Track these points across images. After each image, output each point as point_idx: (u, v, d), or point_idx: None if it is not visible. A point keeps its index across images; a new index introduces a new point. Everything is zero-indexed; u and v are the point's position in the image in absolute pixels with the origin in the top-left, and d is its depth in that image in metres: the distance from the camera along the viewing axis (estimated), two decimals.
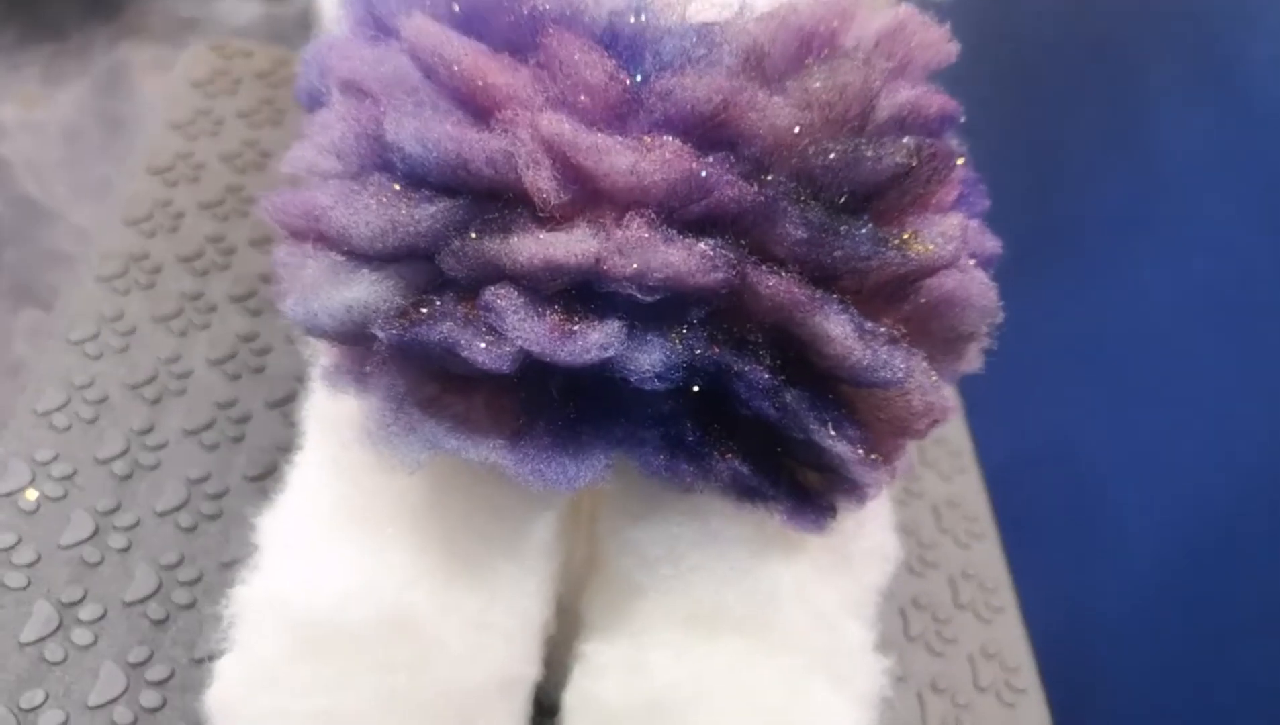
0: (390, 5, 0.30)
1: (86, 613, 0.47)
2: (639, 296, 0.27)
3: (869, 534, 0.38)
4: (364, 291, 0.28)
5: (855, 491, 0.34)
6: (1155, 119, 0.86)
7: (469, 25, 0.29)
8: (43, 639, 0.46)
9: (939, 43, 0.32)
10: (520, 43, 0.29)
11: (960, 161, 0.31)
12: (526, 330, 0.27)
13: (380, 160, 0.29)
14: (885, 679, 0.38)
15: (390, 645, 0.33)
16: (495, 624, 0.35)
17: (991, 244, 0.33)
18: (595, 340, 0.27)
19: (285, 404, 0.57)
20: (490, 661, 0.35)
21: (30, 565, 0.48)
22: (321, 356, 0.35)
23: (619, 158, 0.26)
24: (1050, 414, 0.86)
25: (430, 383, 0.30)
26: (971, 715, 0.54)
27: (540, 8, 0.28)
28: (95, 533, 0.50)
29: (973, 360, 0.34)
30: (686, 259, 0.27)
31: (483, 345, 0.27)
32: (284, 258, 0.31)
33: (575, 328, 0.27)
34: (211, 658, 0.46)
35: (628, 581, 0.36)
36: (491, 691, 0.35)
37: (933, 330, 0.32)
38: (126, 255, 0.61)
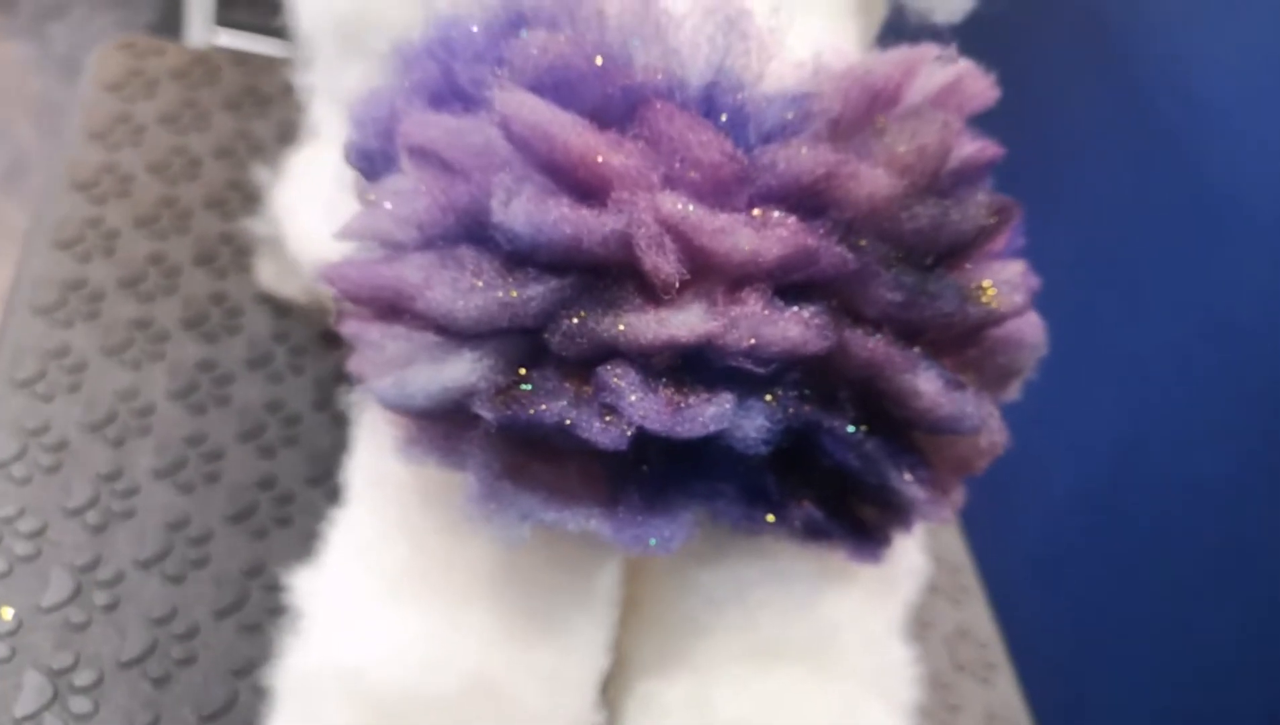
0: (476, 73, 0.28)
1: (81, 679, 0.44)
2: (753, 369, 0.28)
3: (907, 554, 0.40)
4: (464, 371, 0.28)
5: (907, 524, 0.35)
6: (1048, 105, 0.91)
7: (557, 95, 0.28)
8: (39, 712, 0.43)
9: (987, 90, 0.33)
10: (613, 113, 0.28)
11: (1018, 212, 0.32)
12: (644, 408, 0.27)
13: (467, 234, 0.28)
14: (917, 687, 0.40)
15: (472, 708, 0.33)
16: (569, 677, 0.35)
17: (1035, 282, 0.35)
18: (711, 414, 0.27)
19: (258, 436, 0.55)
20: (566, 714, 0.35)
21: (12, 634, 0.45)
22: (382, 423, 0.34)
23: (742, 238, 0.26)
24: None
25: (518, 454, 0.30)
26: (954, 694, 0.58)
27: (638, 80, 0.28)
28: (77, 591, 0.47)
29: (1015, 391, 0.36)
30: (802, 331, 0.27)
31: (600, 425, 0.27)
32: (362, 333, 0.30)
33: (690, 402, 0.28)
34: (218, 716, 0.45)
35: (691, 622, 0.37)
36: None
37: (988, 369, 0.34)
38: (62, 282, 0.57)
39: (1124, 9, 0.89)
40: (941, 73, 0.32)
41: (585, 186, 0.27)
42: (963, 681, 0.58)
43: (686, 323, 0.27)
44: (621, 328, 0.27)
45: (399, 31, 0.40)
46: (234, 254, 0.62)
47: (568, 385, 0.28)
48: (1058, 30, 0.92)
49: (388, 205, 0.29)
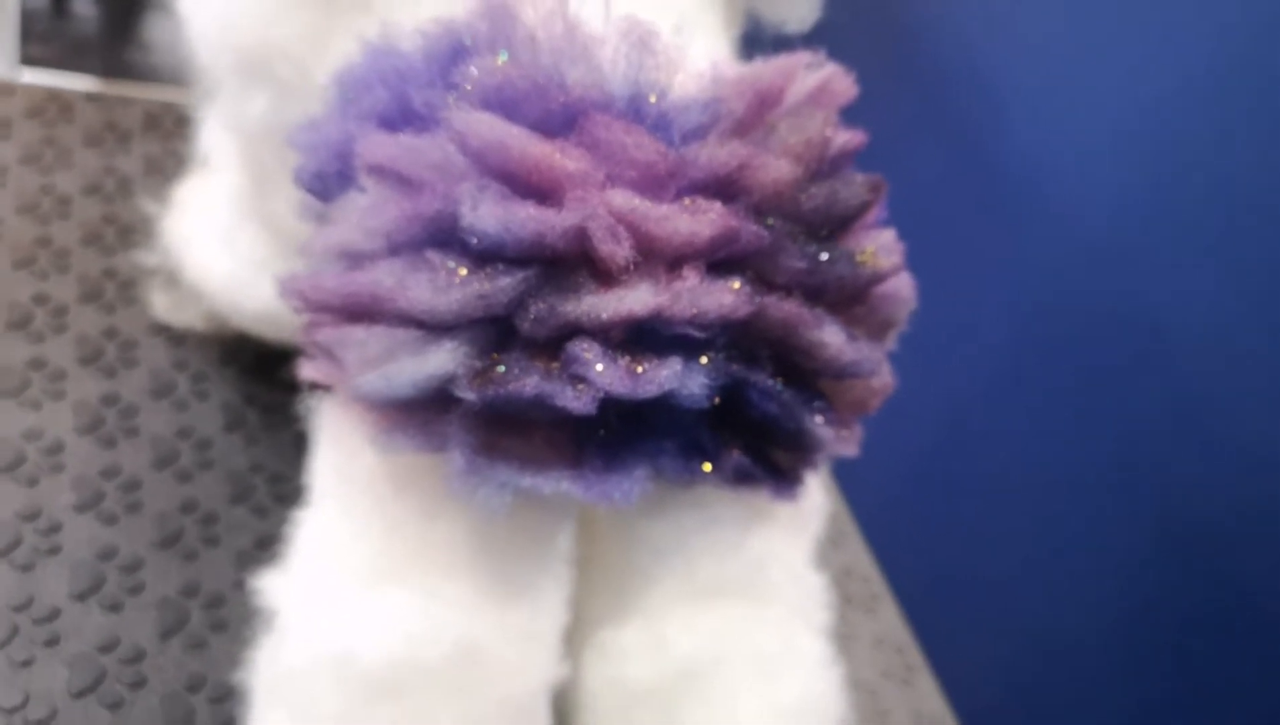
0: (429, 97, 0.32)
1: (35, 713, 0.45)
2: (694, 334, 0.32)
3: (812, 493, 0.45)
4: (445, 359, 0.31)
5: (815, 463, 0.41)
6: (857, 100, 1.00)
7: (504, 113, 0.32)
8: None
9: (849, 88, 0.39)
10: (553, 126, 0.32)
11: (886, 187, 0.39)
12: (610, 376, 0.31)
13: (430, 239, 0.32)
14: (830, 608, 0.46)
15: (459, 672, 0.36)
16: (539, 634, 0.39)
17: (903, 247, 0.41)
18: (665, 376, 0.32)
19: (173, 463, 0.56)
20: (538, 669, 0.39)
21: None
22: (348, 422, 0.36)
23: (680, 223, 0.31)
24: None
25: (490, 431, 0.34)
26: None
27: (575, 95, 0.32)
28: (15, 631, 0.47)
29: (892, 342, 0.42)
30: (734, 300, 0.32)
31: (572, 393, 0.31)
32: (335, 337, 0.33)
33: (646, 368, 0.32)
34: None
35: (639, 572, 0.41)
36: (539, 694, 0.39)
37: (872, 323, 0.40)
38: None
39: (923, 8, 0.99)
40: (814, 76, 0.38)
41: (540, 189, 0.31)
42: (851, 613, 0.65)
43: (639, 299, 0.31)
44: (584, 308, 0.31)
45: (304, 60, 0.43)
46: (119, 288, 0.62)
47: (538, 363, 0.32)
48: (861, 31, 1.01)
49: (354, 219, 0.32)
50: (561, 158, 0.31)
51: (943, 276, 0.90)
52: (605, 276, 0.32)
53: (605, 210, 0.31)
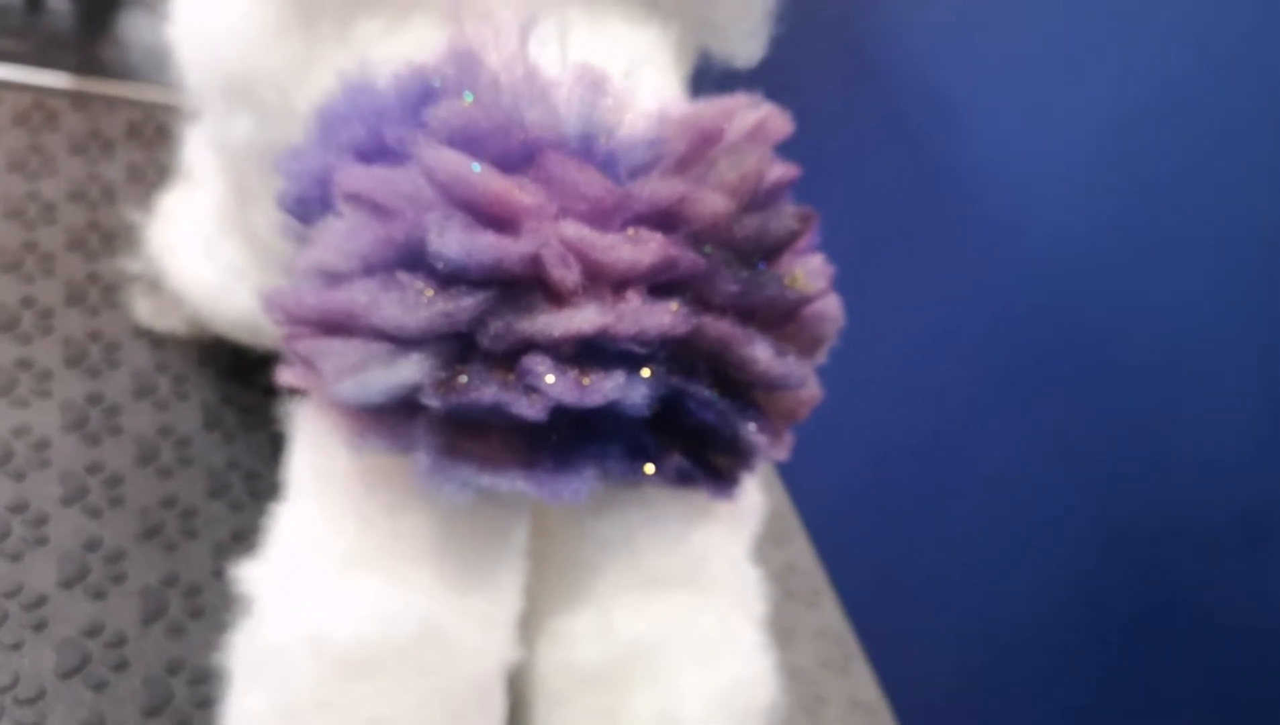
0: (401, 134, 0.36)
1: (24, 692, 0.48)
2: (637, 350, 0.36)
3: (749, 493, 0.49)
4: (414, 370, 0.35)
5: (751, 467, 0.45)
6: (814, 117, 1.04)
7: (468, 149, 0.36)
8: None
9: (785, 125, 0.43)
10: (511, 162, 0.36)
11: (816, 218, 0.43)
12: (560, 387, 0.35)
13: (400, 262, 0.36)
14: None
15: (425, 652, 0.40)
16: (497, 618, 0.42)
17: (830, 270, 0.45)
18: (610, 387, 0.36)
19: (154, 460, 0.59)
20: (497, 651, 0.42)
21: None
22: (322, 425, 0.40)
23: (624, 251, 0.35)
24: None
25: (452, 434, 0.37)
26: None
27: (533, 135, 0.36)
28: (5, 616, 0.50)
29: (822, 356, 0.46)
30: (672, 319, 0.36)
31: (526, 402, 0.35)
32: (314, 348, 0.36)
33: (593, 380, 0.36)
34: (159, 710, 0.50)
35: (588, 564, 0.45)
36: (497, 675, 0.43)
37: (803, 340, 0.44)
38: None
39: (875, 22, 1.03)
40: (752, 114, 0.42)
41: (499, 219, 0.35)
42: (792, 606, 0.69)
43: (587, 318, 0.35)
44: (538, 326, 0.35)
45: (286, 87, 0.46)
46: (103, 292, 0.65)
47: (496, 375, 0.36)
48: (821, 46, 1.06)
49: (332, 242, 0.36)
50: (519, 192, 0.34)
51: (894, 285, 0.94)
52: (557, 298, 0.36)
53: (557, 240, 0.34)
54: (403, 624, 0.40)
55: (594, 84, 0.37)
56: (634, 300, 0.36)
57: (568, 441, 0.39)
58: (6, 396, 0.58)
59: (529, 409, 0.35)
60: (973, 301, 0.89)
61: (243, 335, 0.59)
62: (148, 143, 0.75)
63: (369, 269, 0.36)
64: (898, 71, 1.01)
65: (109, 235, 0.68)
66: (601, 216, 0.36)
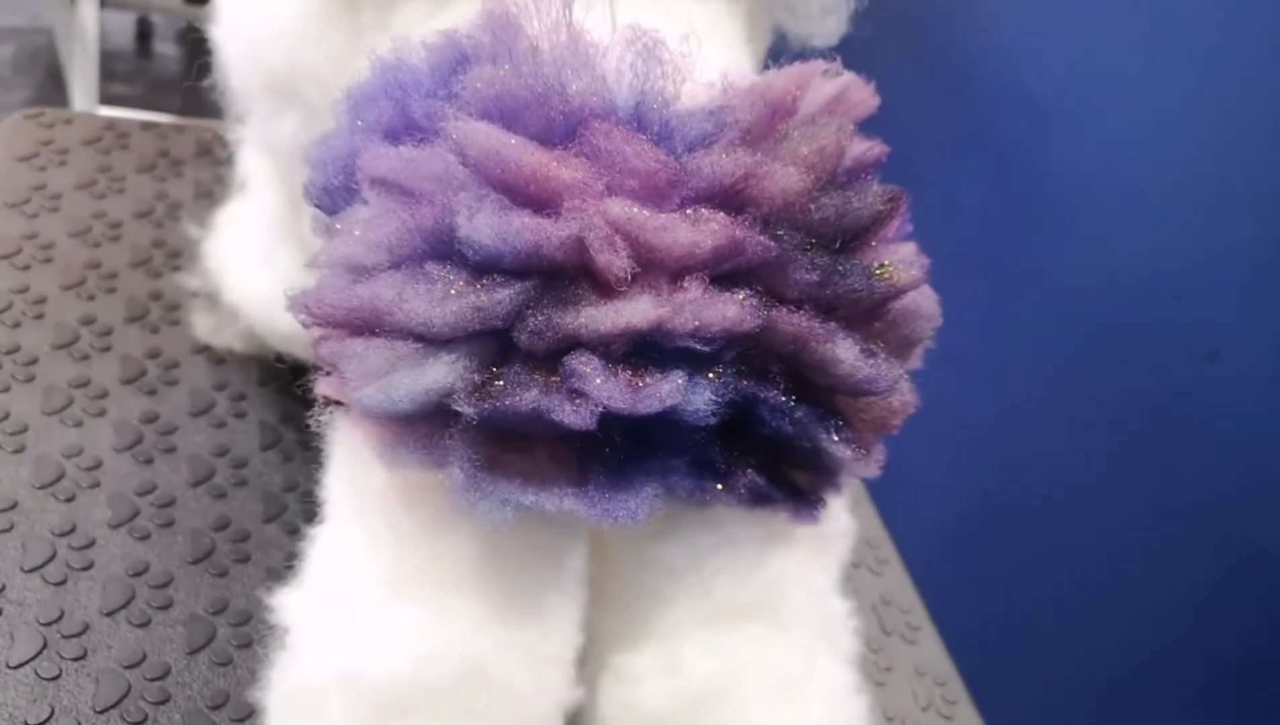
0: (429, 108, 0.32)
1: None
2: (698, 348, 0.31)
3: (837, 516, 0.44)
4: (444, 372, 0.31)
5: (836, 484, 0.40)
6: (898, 118, 0.99)
7: (505, 122, 0.32)
8: None
9: (869, 99, 0.38)
10: (554, 135, 0.32)
11: (907, 199, 0.37)
12: (609, 390, 0.31)
13: (432, 252, 0.32)
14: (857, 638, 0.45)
15: (467, 692, 0.36)
16: (551, 655, 0.38)
17: (926, 261, 0.40)
18: (667, 391, 0.31)
19: (207, 480, 0.56)
20: (550, 691, 0.38)
21: None
22: (356, 436, 0.36)
23: (681, 232, 0.30)
24: None
25: (493, 446, 0.33)
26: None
27: (576, 104, 0.31)
28: (44, 645, 0.48)
29: (917, 360, 0.41)
30: (738, 312, 0.31)
31: (570, 408, 0.31)
32: (341, 349, 0.32)
33: (647, 382, 0.31)
34: None
35: (653, 593, 0.40)
36: (551, 717, 0.38)
37: (892, 340, 0.38)
38: None
39: (962, 16, 0.97)
40: (830, 84, 0.37)
41: (538, 199, 0.31)
42: (890, 642, 0.63)
43: (639, 311, 0.30)
44: (582, 320, 0.30)
45: (328, 82, 0.43)
46: (164, 310, 0.63)
47: (537, 377, 0.31)
48: (909, 54, 1.00)
49: (357, 232, 0.32)
50: (558, 166, 0.30)
51: (990, 300, 0.88)
52: (605, 288, 0.31)
53: (602, 220, 0.30)
54: (443, 660, 0.35)
55: (647, 50, 0.33)
56: (694, 290, 0.31)
57: (624, 455, 0.34)
58: (60, 415, 0.56)
59: (574, 416, 0.31)
60: (1077, 317, 0.82)
61: (297, 349, 0.56)
62: (217, 161, 0.74)
63: (396, 261, 0.32)
64: (986, 76, 0.95)
65: (173, 253, 0.66)
66: (655, 194, 0.31)
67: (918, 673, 0.63)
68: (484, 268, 0.31)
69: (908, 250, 0.37)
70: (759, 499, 0.38)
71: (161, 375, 0.60)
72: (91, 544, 0.52)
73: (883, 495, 0.76)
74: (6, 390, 0.56)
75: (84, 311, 0.62)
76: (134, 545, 0.52)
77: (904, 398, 0.38)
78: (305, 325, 0.36)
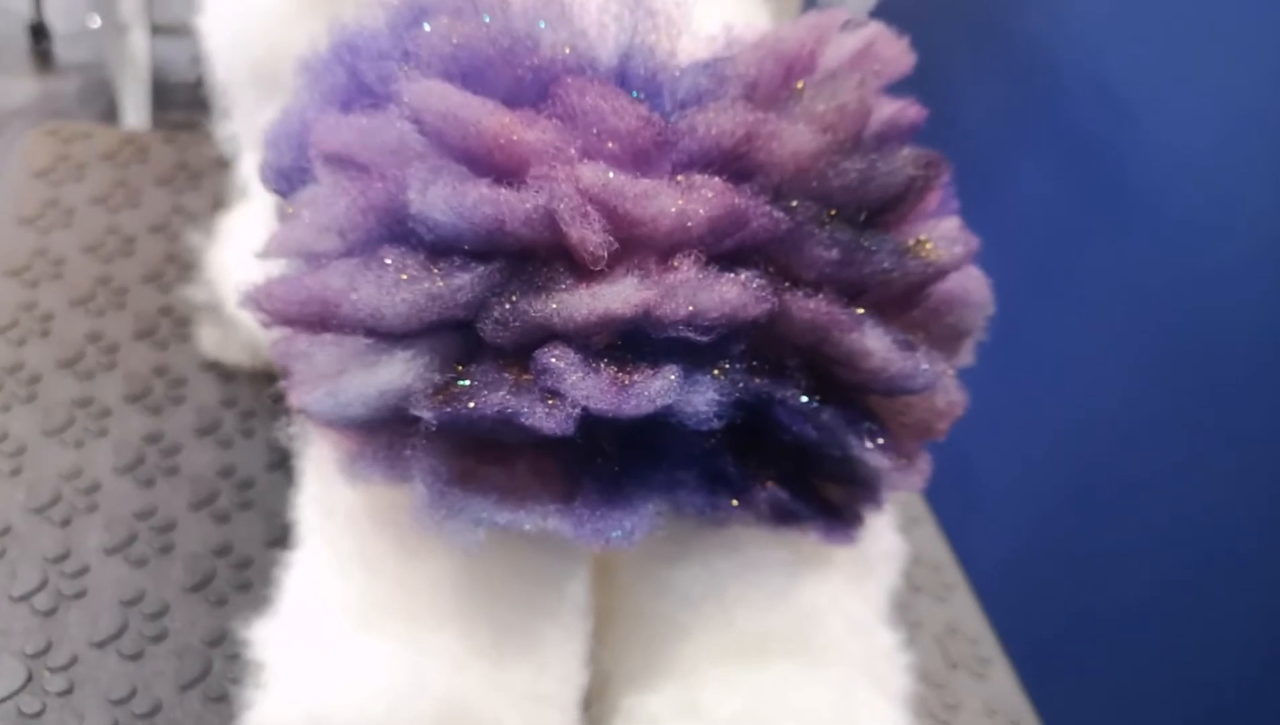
0: (382, 69, 0.28)
1: None
2: (695, 338, 0.27)
3: (881, 536, 0.39)
4: (399, 372, 0.27)
5: (876, 499, 0.35)
6: (954, 92, 0.93)
7: (469, 83, 0.27)
8: None
9: (902, 55, 0.33)
10: (525, 96, 0.28)
11: (947, 167, 0.32)
12: (587, 387, 0.26)
13: (391, 233, 0.28)
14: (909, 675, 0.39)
15: None
16: (546, 694, 0.33)
17: (974, 241, 0.35)
18: (657, 389, 0.27)
19: (210, 503, 0.53)
20: None
21: None
22: (325, 448, 0.32)
23: (666, 201, 0.26)
24: None
25: (466, 457, 0.29)
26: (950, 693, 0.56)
27: (547, 58, 0.27)
28: (29, 679, 0.44)
29: (968, 355, 0.36)
30: (740, 293, 0.27)
31: (544, 410, 0.26)
32: (290, 347, 0.29)
33: (635, 378, 0.27)
34: None
35: (669, 624, 0.35)
36: None
37: (936, 330, 0.33)
38: None
39: (1040, 10, 0.91)
40: (853, 37, 0.32)
41: (503, 167, 0.27)
42: (956, 677, 0.57)
43: (620, 295, 0.26)
44: (554, 307, 0.26)
45: None
46: (174, 325, 0.61)
47: (507, 375, 0.27)
48: (974, 35, 0.94)
49: (306, 216, 0.29)
50: (523, 128, 0.26)
51: (1064, 299, 0.81)
52: (583, 270, 0.27)
53: (573, 188, 0.26)
54: (416, 701, 0.31)
55: (635, 0, 0.29)
56: (687, 270, 0.27)
57: (619, 467, 0.30)
58: (60, 436, 0.53)
59: (547, 419, 0.26)
60: (1157, 316, 0.75)
61: None
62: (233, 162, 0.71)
63: (350, 246, 0.28)
64: (1060, 60, 0.88)
65: (186, 266, 0.64)
66: (639, 158, 0.27)
67: (989, 710, 0.56)
68: (442, 249, 0.27)
69: (950, 226, 0.32)
70: (783, 516, 0.33)
71: (168, 392, 0.57)
72: (85, 570, 0.49)
73: (948, 512, 0.70)
74: (7, 409, 0.54)
75: (91, 328, 0.59)
76: (129, 572, 0.49)
77: (950, 398, 0.33)
78: (262, 324, 0.32)
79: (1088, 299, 0.82)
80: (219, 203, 0.69)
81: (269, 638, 0.35)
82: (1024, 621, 0.65)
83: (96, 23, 1.91)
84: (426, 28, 0.27)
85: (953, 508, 0.70)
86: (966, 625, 0.61)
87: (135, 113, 1.50)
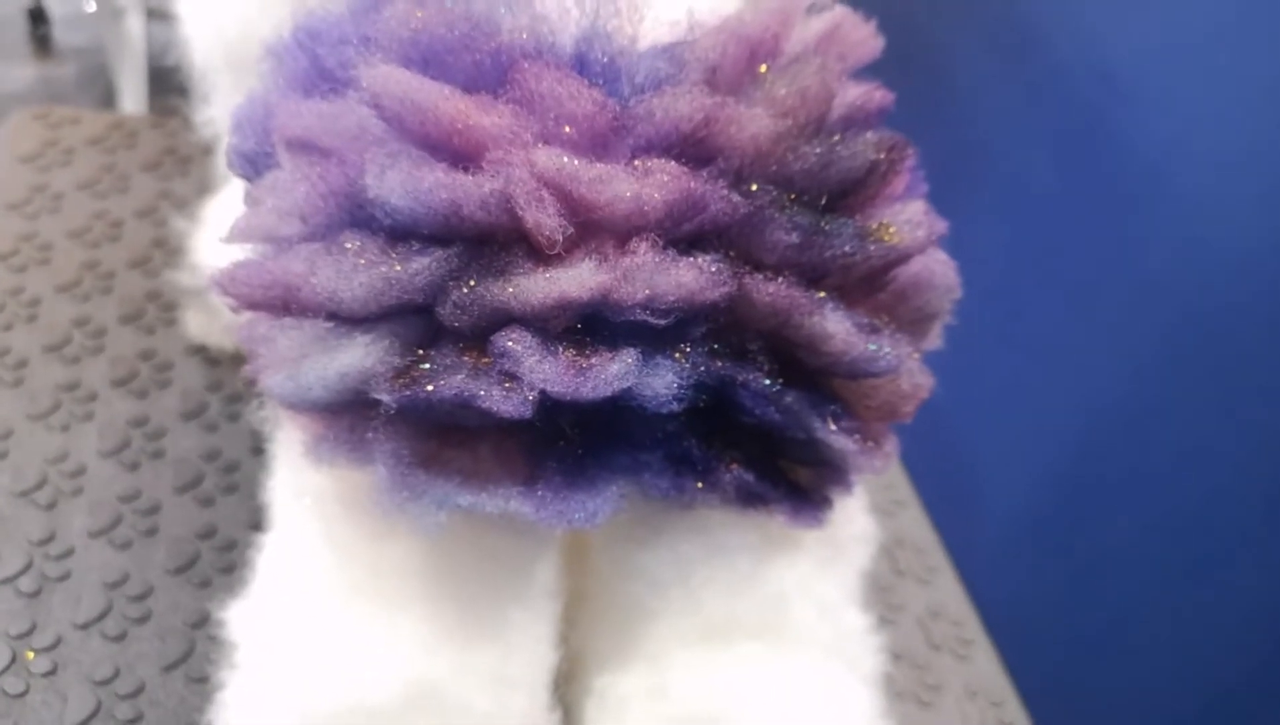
0: (342, 55, 0.28)
1: None
2: (652, 321, 0.27)
3: (854, 519, 0.39)
4: (359, 356, 0.27)
5: (844, 482, 0.35)
6: (956, 79, 0.92)
7: (428, 68, 0.28)
8: None
9: (869, 38, 0.33)
10: (484, 81, 0.28)
11: (912, 151, 0.32)
12: (545, 371, 0.26)
13: (352, 218, 0.28)
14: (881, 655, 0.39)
15: (417, 717, 0.32)
16: (514, 676, 0.34)
17: (940, 225, 0.35)
18: (615, 372, 0.27)
19: (194, 487, 0.53)
20: (516, 716, 0.34)
21: None
22: (293, 431, 0.33)
23: (621, 185, 0.26)
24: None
25: (428, 440, 0.29)
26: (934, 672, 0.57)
27: (505, 43, 0.27)
28: (12, 660, 0.45)
29: (935, 338, 0.36)
30: (697, 277, 0.27)
31: (501, 393, 0.26)
32: (254, 331, 0.29)
33: (592, 362, 0.27)
34: None
35: (638, 607, 0.36)
36: None
37: (902, 313, 0.33)
38: None
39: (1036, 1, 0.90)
40: (818, 21, 0.32)
41: (460, 152, 0.27)
42: (938, 658, 0.57)
43: (577, 279, 0.26)
44: (511, 291, 0.26)
45: None
46: (161, 310, 0.61)
47: (466, 358, 0.27)
48: (975, 19, 0.93)
49: (268, 201, 0.29)
50: (479, 113, 0.26)
51: (1067, 286, 0.81)
52: (542, 254, 0.27)
53: (528, 172, 0.26)
54: (385, 683, 0.31)
55: None
56: (644, 254, 0.27)
57: (583, 449, 0.30)
58: (45, 421, 0.54)
59: (504, 402, 0.26)
60: (1161, 304, 0.75)
61: None
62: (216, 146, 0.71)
63: (313, 230, 0.28)
64: (1063, 45, 0.88)
65: (174, 251, 0.64)
66: (596, 142, 0.27)
67: (970, 692, 0.57)
68: (400, 234, 0.27)
69: (915, 209, 0.32)
70: (749, 499, 0.33)
71: (154, 377, 0.57)
72: (70, 553, 0.49)
73: (933, 498, 0.70)
74: None
75: (78, 313, 0.59)
76: (113, 554, 0.50)
77: (915, 380, 0.33)
78: (231, 309, 0.32)
79: (1093, 283, 0.81)
80: (206, 188, 0.69)
81: (241, 619, 0.35)
82: (1012, 604, 0.65)
83: (92, 7, 1.91)
84: (386, 16, 0.27)
85: (941, 490, 0.70)
86: (950, 608, 0.61)
87: (132, 97, 1.50)
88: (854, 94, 0.32)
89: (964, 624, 0.61)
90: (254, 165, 0.31)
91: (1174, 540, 0.71)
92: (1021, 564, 0.80)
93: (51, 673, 0.45)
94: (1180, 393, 0.72)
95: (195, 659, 0.47)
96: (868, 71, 0.34)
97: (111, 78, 1.81)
